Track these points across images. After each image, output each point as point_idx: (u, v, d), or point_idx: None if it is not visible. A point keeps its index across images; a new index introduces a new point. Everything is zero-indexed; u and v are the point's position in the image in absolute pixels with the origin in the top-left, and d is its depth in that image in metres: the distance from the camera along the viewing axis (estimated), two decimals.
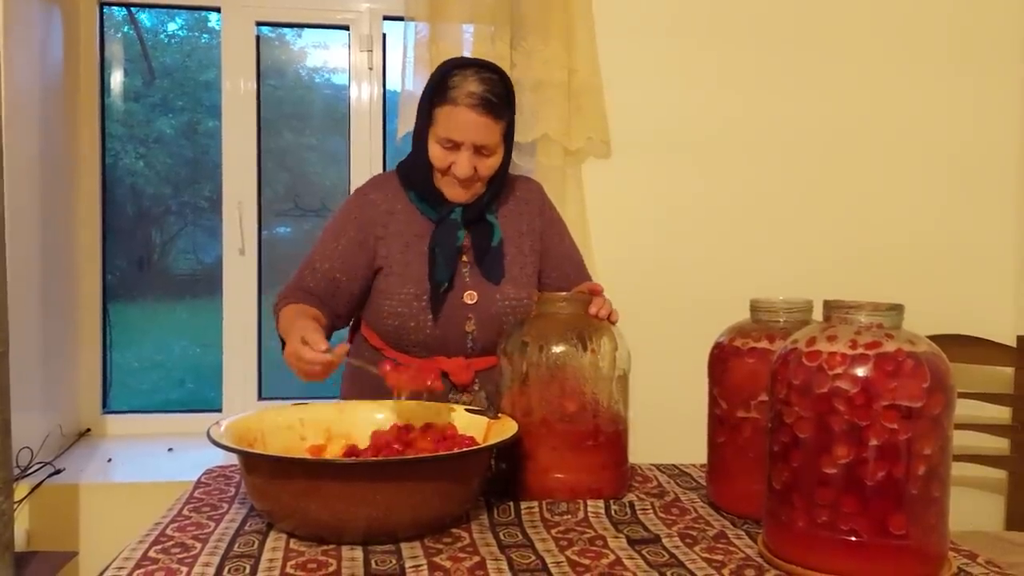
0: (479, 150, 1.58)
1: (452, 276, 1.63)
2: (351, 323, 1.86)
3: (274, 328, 1.67)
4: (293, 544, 1.12)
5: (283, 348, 1.62)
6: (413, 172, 1.67)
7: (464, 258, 1.66)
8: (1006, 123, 2.75)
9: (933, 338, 1.06)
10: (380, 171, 2.65)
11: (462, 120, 1.55)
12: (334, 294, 1.67)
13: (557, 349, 1.34)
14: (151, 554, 1.08)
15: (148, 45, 3.12)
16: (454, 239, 1.63)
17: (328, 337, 1.69)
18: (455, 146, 1.57)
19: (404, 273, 1.64)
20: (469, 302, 1.64)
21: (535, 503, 1.29)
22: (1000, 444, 2.58)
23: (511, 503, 1.29)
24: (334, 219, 1.73)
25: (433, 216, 1.66)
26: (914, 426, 0.97)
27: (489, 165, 1.61)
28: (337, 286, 1.67)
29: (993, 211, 2.76)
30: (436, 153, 1.59)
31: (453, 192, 1.62)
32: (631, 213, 2.61)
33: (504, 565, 1.06)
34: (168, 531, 1.17)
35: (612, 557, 1.10)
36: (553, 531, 1.20)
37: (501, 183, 1.68)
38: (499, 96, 1.57)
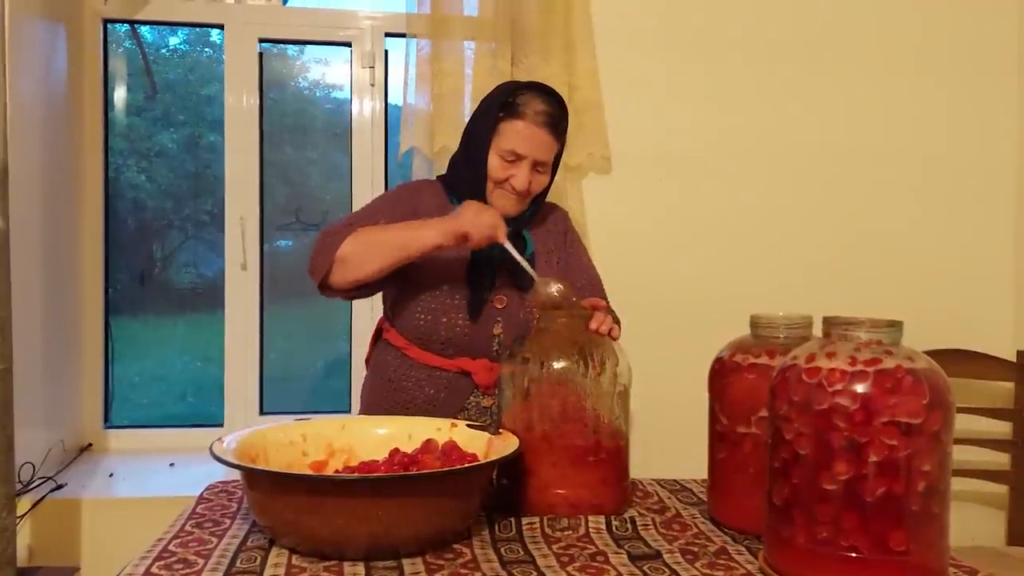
0: (536, 166, 1.66)
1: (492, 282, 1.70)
2: (373, 333, 1.87)
3: (323, 262, 1.59)
4: (295, 560, 1.13)
5: (322, 281, 1.60)
6: (461, 183, 1.73)
7: (499, 266, 1.70)
8: (1004, 137, 2.76)
9: (933, 353, 1.07)
10: (382, 185, 2.68)
11: (529, 134, 1.64)
12: None
13: (558, 365, 1.34)
14: (154, 570, 1.08)
15: (150, 60, 3.14)
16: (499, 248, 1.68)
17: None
18: (517, 159, 1.64)
19: (440, 272, 1.68)
20: (499, 306, 1.69)
21: (536, 519, 1.29)
22: (1001, 459, 2.57)
23: (512, 519, 1.29)
24: (387, 194, 1.80)
25: None
26: (914, 442, 0.98)
27: (541, 182, 1.70)
28: None
29: (992, 225, 2.77)
30: (495, 164, 1.66)
31: (506, 204, 1.68)
32: (631, 228, 2.62)
33: None
34: (171, 547, 1.17)
35: (613, 573, 1.10)
36: (554, 547, 1.20)
37: (540, 204, 1.77)
38: (561, 119, 1.68)
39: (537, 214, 1.79)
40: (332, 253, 1.58)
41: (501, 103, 1.66)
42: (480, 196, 1.68)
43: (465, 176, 1.71)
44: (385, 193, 1.82)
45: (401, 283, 1.71)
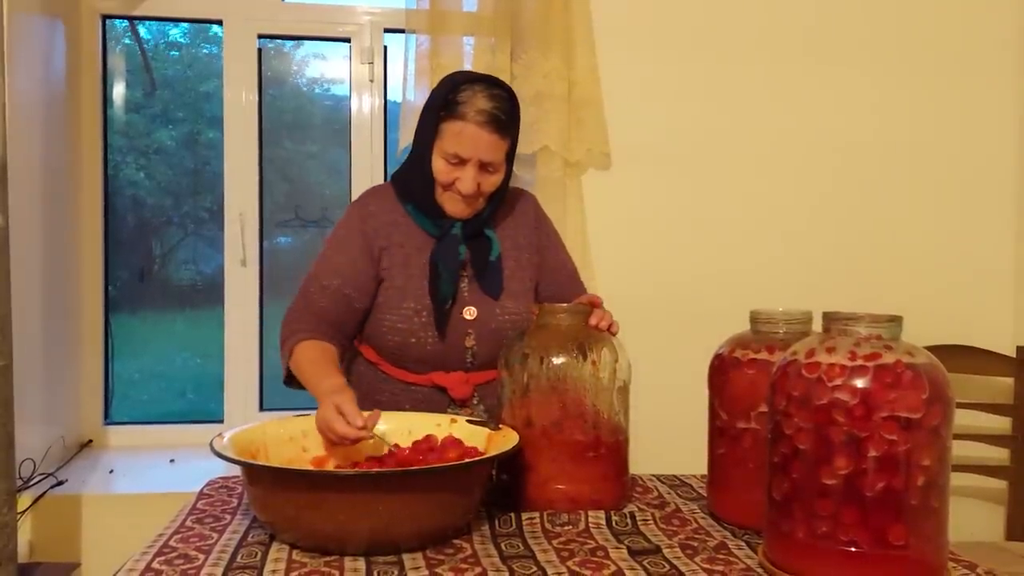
0: (484, 167, 1.56)
1: (454, 292, 1.62)
2: None
3: (282, 358, 1.61)
4: (296, 555, 1.13)
5: (286, 377, 1.62)
6: (412, 185, 1.64)
7: (463, 273, 1.64)
8: (1004, 133, 2.76)
9: (933, 348, 1.07)
10: (381, 182, 2.67)
11: (470, 136, 1.53)
12: (347, 311, 1.63)
13: (558, 360, 1.34)
14: (155, 565, 1.09)
15: (149, 56, 3.14)
16: (456, 254, 1.61)
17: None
18: (461, 162, 1.55)
19: (404, 287, 1.62)
20: (469, 318, 1.62)
21: (536, 514, 1.30)
22: (1001, 454, 2.58)
23: (512, 514, 1.30)
24: (335, 233, 1.69)
25: (433, 231, 1.63)
26: (913, 437, 0.98)
27: (492, 182, 1.59)
28: (349, 303, 1.62)
29: (992, 221, 2.77)
30: (440, 167, 1.57)
31: (455, 207, 1.60)
32: (631, 224, 2.62)
33: None
34: (171, 542, 1.17)
35: (613, 568, 1.10)
36: (554, 542, 1.20)
37: (501, 199, 1.67)
38: (507, 114, 1.56)
39: (502, 208, 1.71)
40: (287, 361, 1.60)
41: (442, 101, 1.55)
42: (429, 199, 1.60)
43: (413, 178, 1.63)
44: (337, 227, 1.70)
45: (368, 304, 1.66)
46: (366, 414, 1.33)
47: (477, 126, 1.52)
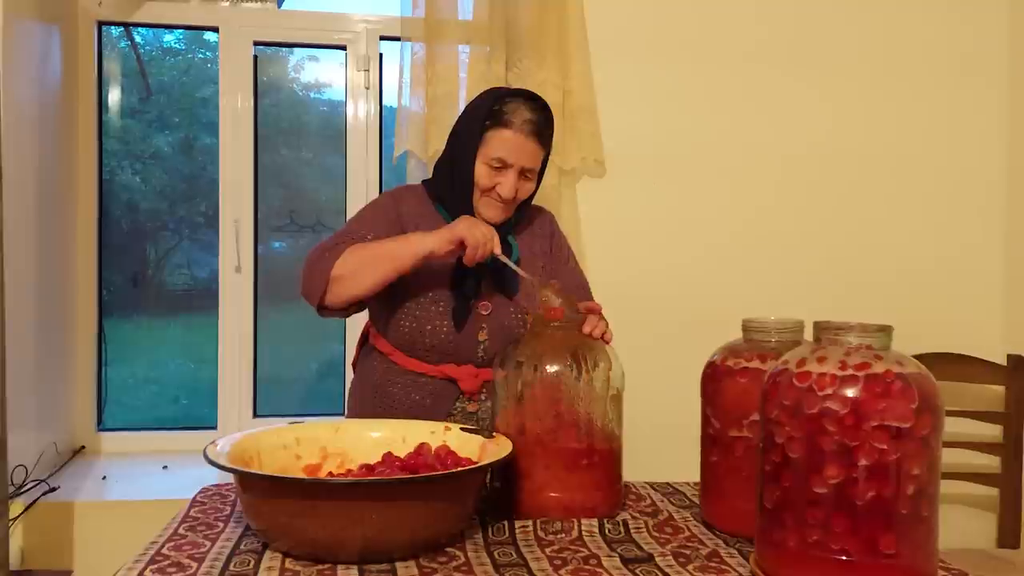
0: (523, 173, 1.66)
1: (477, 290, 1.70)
2: (360, 337, 1.89)
3: (317, 285, 1.59)
4: (288, 563, 1.13)
5: (320, 303, 1.61)
6: (447, 190, 1.72)
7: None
8: (994, 142, 2.78)
9: (924, 357, 1.08)
10: (376, 188, 2.69)
11: (516, 143, 1.64)
12: None
13: (551, 368, 1.35)
14: (147, 573, 1.09)
15: (145, 61, 3.14)
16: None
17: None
18: (504, 167, 1.64)
19: (424, 277, 1.66)
20: (484, 312, 1.69)
21: (529, 522, 1.30)
22: (992, 462, 2.59)
23: (506, 522, 1.30)
24: (372, 204, 1.79)
25: None
26: (903, 446, 0.99)
27: (527, 189, 1.70)
28: None
29: (981, 229, 2.79)
30: (482, 173, 1.65)
31: (492, 212, 1.68)
32: (625, 232, 2.63)
33: None
34: (164, 550, 1.17)
35: None
36: (547, 550, 1.20)
37: (525, 209, 1.77)
38: (546, 125, 1.68)
39: (523, 219, 1.79)
40: (327, 273, 1.58)
41: (487, 111, 1.65)
42: (466, 203, 1.68)
43: (451, 183, 1.71)
44: (370, 203, 1.81)
45: (386, 291, 1.69)
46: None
47: (524, 135, 1.64)
